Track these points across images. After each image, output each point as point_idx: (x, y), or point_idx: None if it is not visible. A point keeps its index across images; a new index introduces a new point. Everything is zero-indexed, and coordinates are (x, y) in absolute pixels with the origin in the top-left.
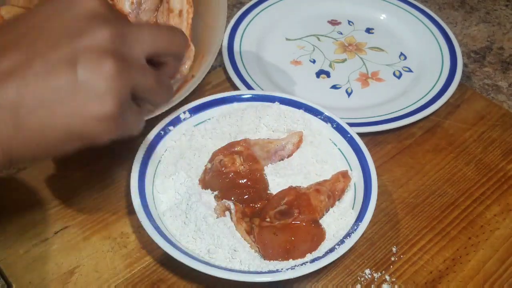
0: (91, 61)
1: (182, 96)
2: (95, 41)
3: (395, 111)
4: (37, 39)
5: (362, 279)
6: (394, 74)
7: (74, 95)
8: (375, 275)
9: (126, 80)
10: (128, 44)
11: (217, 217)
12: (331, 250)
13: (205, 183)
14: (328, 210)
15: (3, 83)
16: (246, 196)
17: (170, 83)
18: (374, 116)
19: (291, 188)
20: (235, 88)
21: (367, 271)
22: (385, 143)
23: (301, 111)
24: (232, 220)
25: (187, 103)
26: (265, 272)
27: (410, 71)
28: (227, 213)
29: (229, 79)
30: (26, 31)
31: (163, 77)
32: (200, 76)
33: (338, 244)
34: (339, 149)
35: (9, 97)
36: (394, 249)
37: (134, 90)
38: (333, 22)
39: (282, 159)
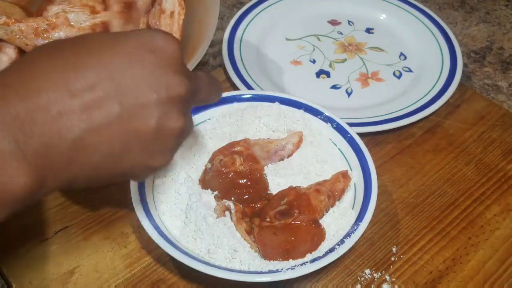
0: (168, 117)
1: None
2: (174, 96)
3: (395, 111)
4: (119, 80)
5: (362, 279)
6: (394, 74)
7: (142, 146)
8: (375, 275)
9: (183, 137)
10: (191, 99)
11: (217, 217)
12: (331, 250)
13: (205, 183)
14: (328, 210)
15: (80, 115)
16: (246, 196)
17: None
18: (374, 116)
19: (291, 188)
20: (235, 88)
21: (367, 271)
22: (385, 143)
23: (301, 111)
24: (232, 220)
25: None
26: (265, 272)
27: (410, 71)
28: (227, 213)
29: (229, 79)
30: (110, 64)
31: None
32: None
33: (338, 244)
34: (339, 149)
35: (76, 132)
36: (394, 249)
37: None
38: (333, 22)
39: (282, 159)
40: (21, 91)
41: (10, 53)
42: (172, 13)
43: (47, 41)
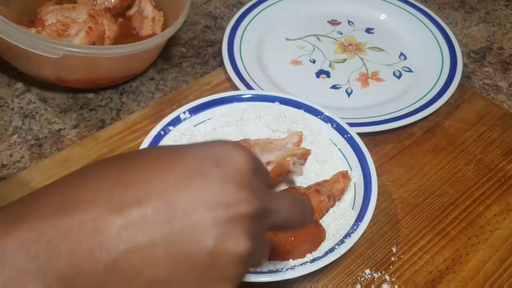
0: (226, 239)
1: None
2: (237, 215)
3: (395, 111)
4: (172, 196)
5: (362, 279)
6: (394, 74)
7: (194, 273)
8: (375, 275)
9: (249, 263)
10: (263, 219)
11: None
12: (331, 250)
13: None
14: (328, 210)
15: (119, 234)
16: None
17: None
18: (374, 116)
19: (291, 188)
20: (235, 88)
21: (367, 271)
22: (385, 143)
23: (301, 111)
24: None
25: (187, 103)
26: (265, 272)
27: (410, 71)
28: None
29: (229, 79)
30: (165, 178)
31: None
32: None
33: (338, 244)
34: (339, 149)
35: (112, 254)
36: (394, 249)
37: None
38: (333, 22)
39: None
40: (57, 205)
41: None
42: (153, 18)
43: (70, 38)
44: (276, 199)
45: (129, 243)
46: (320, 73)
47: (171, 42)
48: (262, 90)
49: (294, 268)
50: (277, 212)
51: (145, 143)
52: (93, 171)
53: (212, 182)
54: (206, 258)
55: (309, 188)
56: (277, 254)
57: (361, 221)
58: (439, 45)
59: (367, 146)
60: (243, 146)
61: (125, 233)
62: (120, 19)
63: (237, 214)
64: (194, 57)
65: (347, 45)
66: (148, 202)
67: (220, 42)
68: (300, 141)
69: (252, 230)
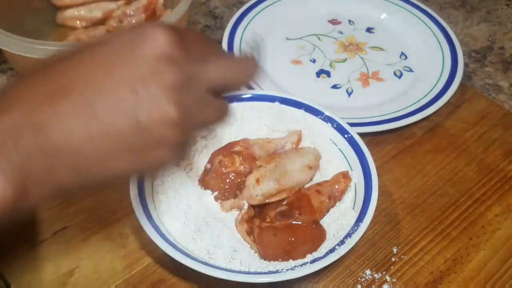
0: (152, 111)
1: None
2: (159, 88)
3: (396, 111)
4: (97, 82)
5: (363, 279)
6: (394, 73)
7: (127, 144)
8: (375, 275)
9: (185, 130)
10: (193, 85)
11: (223, 211)
12: (331, 250)
13: (205, 183)
14: (329, 211)
15: (55, 120)
16: None
17: (227, 104)
18: (375, 116)
19: None
20: None
21: (368, 271)
22: (386, 143)
23: (301, 111)
24: (236, 218)
25: None
26: (265, 273)
27: (411, 70)
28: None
29: None
30: (86, 71)
31: (222, 104)
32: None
33: (338, 245)
34: (339, 149)
35: (53, 136)
36: (394, 250)
37: (194, 127)
38: (334, 22)
39: None
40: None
41: None
42: None
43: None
44: (204, 62)
45: (64, 128)
46: (320, 72)
47: None
48: (262, 90)
49: (294, 269)
50: (207, 72)
51: None
52: (25, 79)
53: (131, 61)
54: (136, 129)
55: (309, 188)
56: (277, 254)
57: (361, 221)
58: (440, 45)
59: (367, 146)
60: (163, 25)
61: (59, 120)
62: None
63: (157, 85)
64: None
65: (347, 44)
66: (73, 89)
67: (220, 42)
68: (299, 139)
69: (178, 96)
